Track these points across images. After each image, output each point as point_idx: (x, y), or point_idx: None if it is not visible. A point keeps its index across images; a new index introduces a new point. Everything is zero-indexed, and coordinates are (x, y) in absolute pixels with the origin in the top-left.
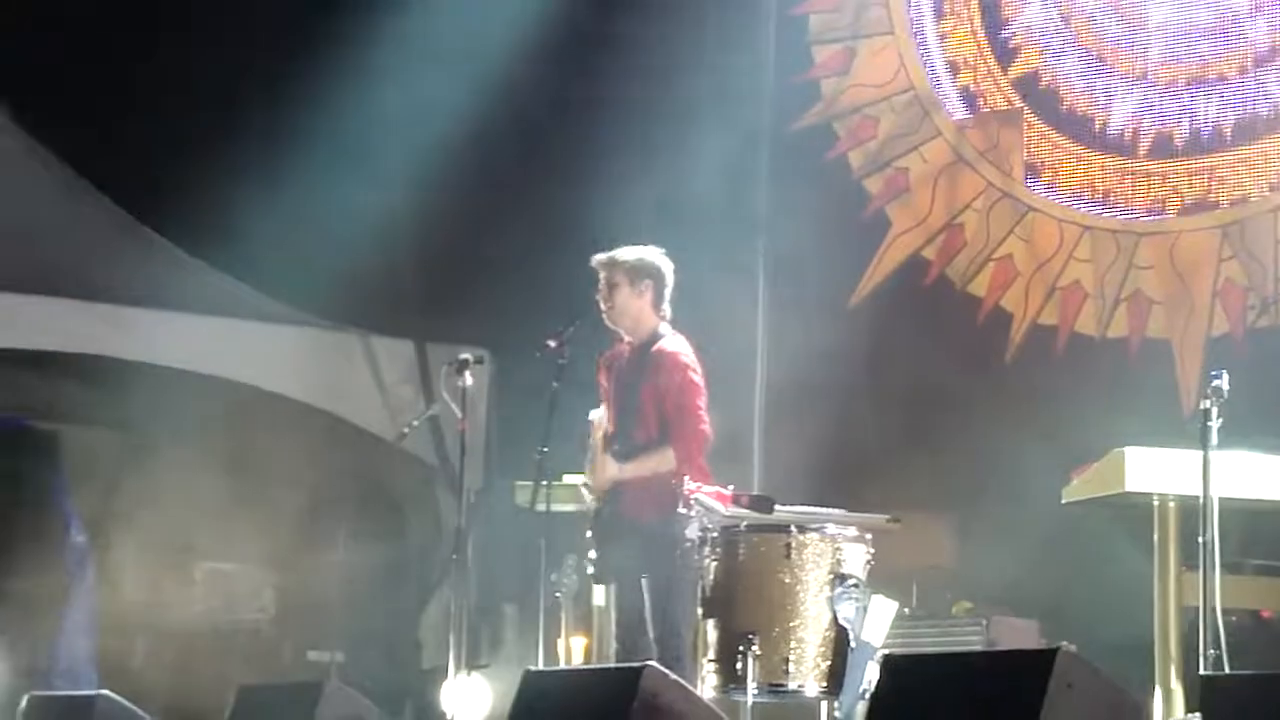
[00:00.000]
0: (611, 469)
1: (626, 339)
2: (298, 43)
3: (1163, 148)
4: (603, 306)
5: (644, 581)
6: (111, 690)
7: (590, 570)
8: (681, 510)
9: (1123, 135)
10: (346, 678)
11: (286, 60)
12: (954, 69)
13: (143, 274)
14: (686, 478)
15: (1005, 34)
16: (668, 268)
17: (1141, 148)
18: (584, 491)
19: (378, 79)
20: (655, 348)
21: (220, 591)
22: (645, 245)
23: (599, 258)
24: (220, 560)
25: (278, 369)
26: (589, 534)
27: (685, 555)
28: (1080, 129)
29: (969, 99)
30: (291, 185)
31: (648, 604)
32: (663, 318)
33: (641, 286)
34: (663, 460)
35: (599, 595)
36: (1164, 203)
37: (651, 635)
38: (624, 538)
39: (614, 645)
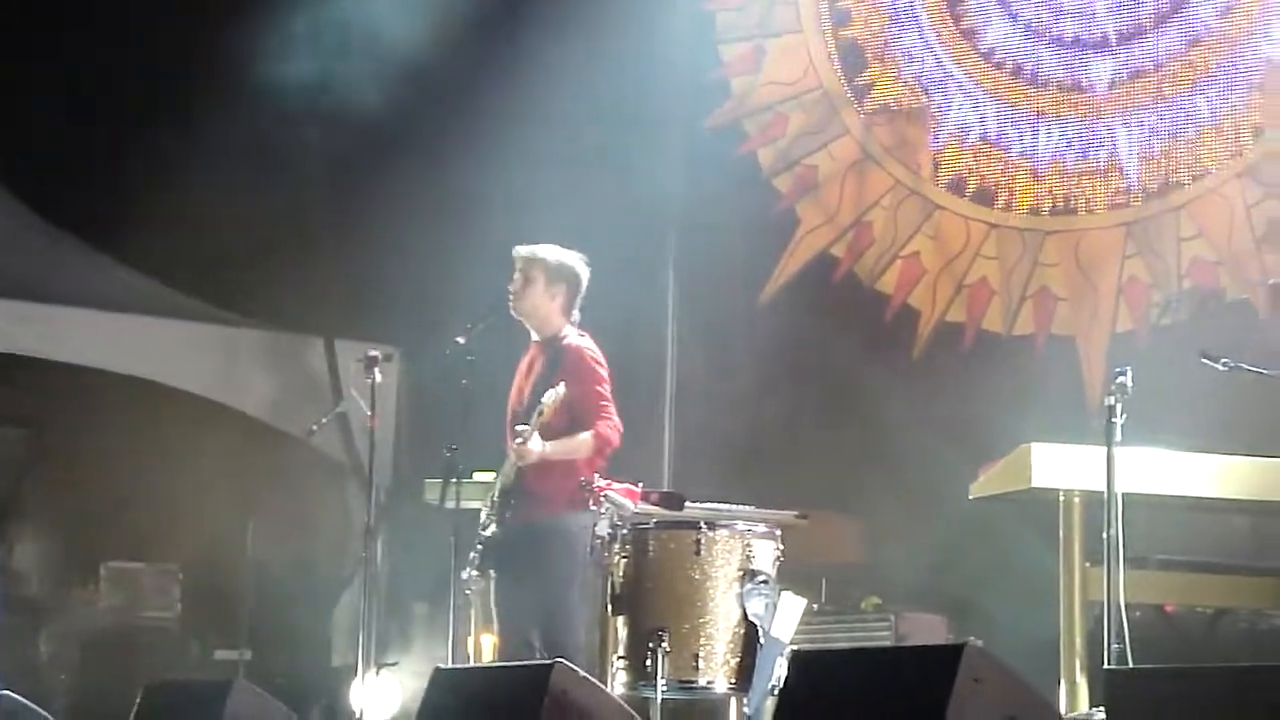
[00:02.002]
0: (536, 445)
1: (534, 337)
2: (208, 36)
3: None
4: (512, 297)
5: (537, 581)
6: (14, 690)
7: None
8: (591, 507)
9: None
10: (254, 676)
11: (196, 54)
12: (860, 66)
13: (48, 270)
14: (597, 475)
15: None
16: (584, 275)
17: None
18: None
19: (288, 73)
20: (563, 344)
21: (126, 589)
22: (565, 247)
23: (522, 250)
24: (126, 558)
25: (185, 365)
26: (484, 530)
27: (594, 553)
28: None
29: (875, 97)
30: (202, 180)
31: (540, 603)
32: (571, 322)
33: (555, 289)
34: (581, 445)
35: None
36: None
37: (539, 637)
38: (524, 534)
39: (497, 642)
